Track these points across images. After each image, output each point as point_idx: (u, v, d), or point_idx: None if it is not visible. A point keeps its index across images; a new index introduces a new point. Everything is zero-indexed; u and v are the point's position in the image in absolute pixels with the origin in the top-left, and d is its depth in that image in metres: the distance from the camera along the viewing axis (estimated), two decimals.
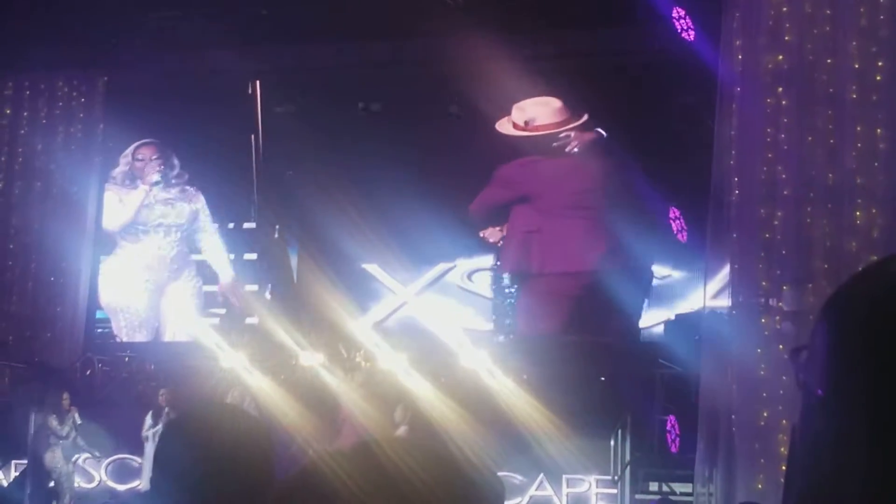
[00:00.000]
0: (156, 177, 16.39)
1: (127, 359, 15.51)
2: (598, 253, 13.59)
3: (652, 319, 14.49)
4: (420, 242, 15.20)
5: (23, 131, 16.17)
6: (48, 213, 15.71)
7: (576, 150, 13.88)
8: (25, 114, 16.22)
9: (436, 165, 14.52)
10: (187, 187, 16.47)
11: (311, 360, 14.47)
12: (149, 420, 13.51)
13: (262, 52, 15.20)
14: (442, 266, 15.66)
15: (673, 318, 14.05)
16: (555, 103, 13.80)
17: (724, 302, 11.90)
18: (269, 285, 15.99)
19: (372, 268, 15.74)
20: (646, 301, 14.22)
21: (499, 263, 14.85)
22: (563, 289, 13.77)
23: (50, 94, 16.20)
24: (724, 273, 11.98)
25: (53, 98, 16.20)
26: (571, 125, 13.82)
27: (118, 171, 16.52)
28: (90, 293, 15.94)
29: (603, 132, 13.66)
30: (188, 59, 15.64)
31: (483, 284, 15.46)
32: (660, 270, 14.50)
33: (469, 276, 15.55)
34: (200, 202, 16.34)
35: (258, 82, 15.63)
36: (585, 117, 13.84)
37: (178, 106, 15.75)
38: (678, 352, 12.96)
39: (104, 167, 16.33)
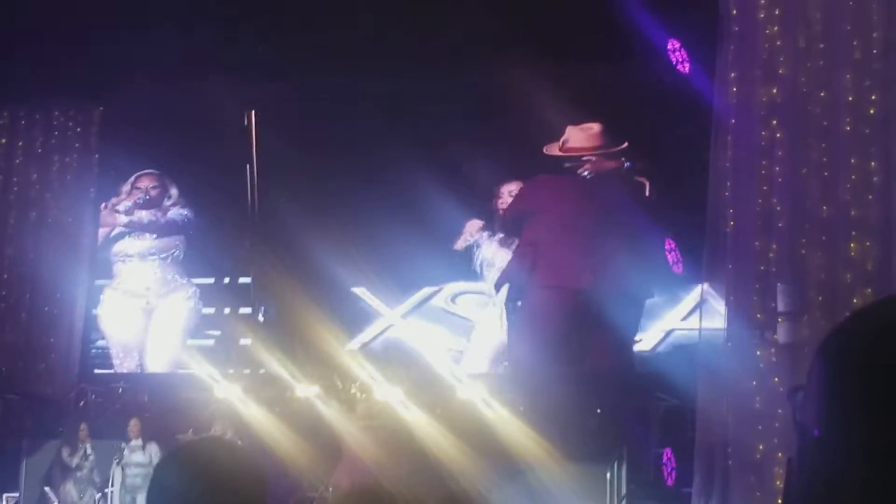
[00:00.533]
0: (127, 204, 16.43)
1: (121, 390, 15.47)
2: (592, 273, 13.57)
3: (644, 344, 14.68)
4: (406, 267, 15.42)
5: (18, 161, 16.18)
6: (43, 242, 15.70)
7: (586, 174, 14.03)
8: (20, 143, 16.23)
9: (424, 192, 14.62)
10: (182, 213, 16.52)
11: (307, 392, 14.48)
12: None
13: (258, 84, 15.28)
14: (427, 290, 15.88)
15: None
16: (593, 129, 14.00)
17: (694, 324, 12.53)
18: (262, 308, 15.95)
19: (360, 291, 15.85)
20: (639, 328, 14.27)
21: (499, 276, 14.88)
22: (554, 302, 13.73)
23: (45, 124, 16.21)
24: (695, 294, 12.63)
25: (49, 128, 16.21)
26: (601, 151, 13.97)
27: (121, 202, 16.50)
28: (85, 323, 15.90)
29: (626, 162, 13.79)
30: (185, 90, 15.68)
31: (466, 307, 15.74)
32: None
33: (453, 299, 15.81)
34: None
35: (253, 113, 15.65)
36: (623, 145, 13.95)
37: (173, 136, 15.84)
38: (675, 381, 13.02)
39: (99, 197, 16.32)
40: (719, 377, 11.60)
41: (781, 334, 11.49)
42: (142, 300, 16.27)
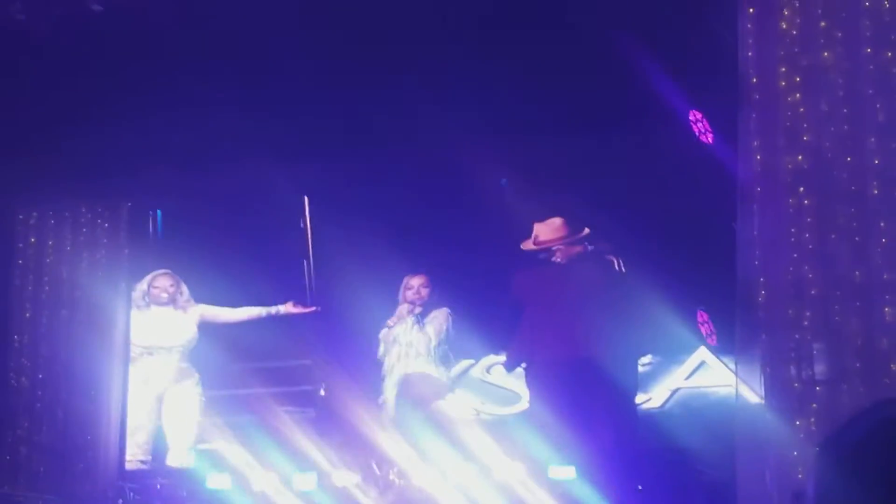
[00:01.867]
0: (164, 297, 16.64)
1: (159, 486, 15.40)
2: (584, 344, 14.15)
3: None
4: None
5: (49, 259, 16.26)
6: (76, 340, 15.74)
7: (559, 260, 14.72)
8: (50, 242, 16.31)
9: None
10: (194, 307, 16.74)
11: (346, 480, 14.37)
12: None
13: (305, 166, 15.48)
14: (465, 362, 17.30)
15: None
16: (556, 222, 14.79)
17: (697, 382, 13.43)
18: (323, 384, 16.38)
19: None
20: (638, 387, 14.92)
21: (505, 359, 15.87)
22: (553, 375, 14.25)
23: (74, 221, 16.29)
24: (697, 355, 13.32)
25: (77, 225, 16.29)
26: (567, 239, 14.74)
27: (136, 296, 16.60)
28: (121, 420, 15.87)
29: (589, 245, 14.67)
30: (220, 179, 15.80)
31: (499, 376, 17.12)
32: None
33: (488, 370, 17.37)
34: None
35: (306, 199, 16.03)
36: (585, 232, 14.76)
37: (201, 229, 16.08)
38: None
39: (130, 292, 16.36)
40: (759, 450, 11.45)
41: (820, 403, 11.34)
42: (157, 388, 16.29)
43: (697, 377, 16.51)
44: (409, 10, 13.29)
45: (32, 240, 16.32)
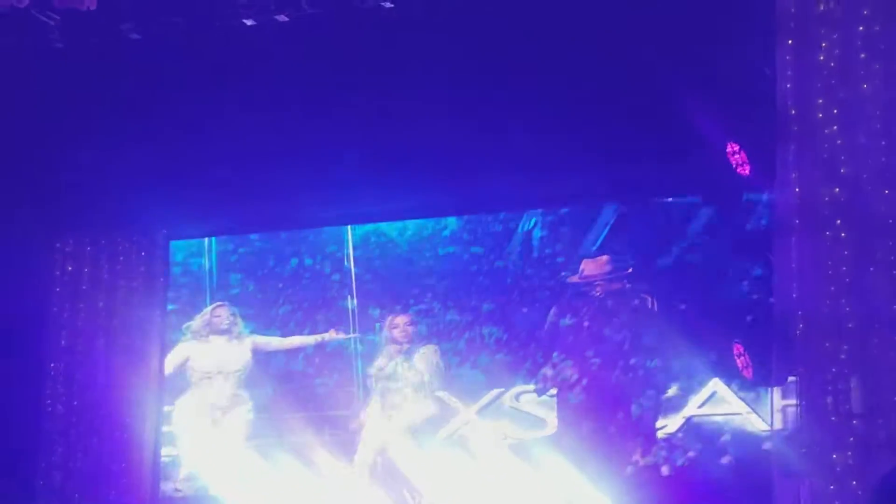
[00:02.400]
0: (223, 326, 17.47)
1: None
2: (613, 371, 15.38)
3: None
4: (476, 373, 17.01)
5: (84, 287, 16.30)
6: (112, 368, 15.78)
7: (598, 294, 16.15)
8: (86, 270, 16.34)
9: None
10: (248, 337, 17.53)
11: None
12: None
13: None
14: (496, 391, 17.52)
15: None
16: (602, 259, 16.20)
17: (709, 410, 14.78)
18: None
19: (443, 395, 16.98)
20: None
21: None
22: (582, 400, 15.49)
23: (111, 249, 16.33)
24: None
25: (114, 253, 16.33)
26: (609, 276, 16.15)
27: (196, 326, 17.61)
28: (155, 448, 15.91)
29: (627, 283, 16.03)
30: (262, 207, 15.92)
31: (529, 403, 17.35)
32: None
33: (517, 398, 17.50)
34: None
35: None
36: (628, 270, 16.08)
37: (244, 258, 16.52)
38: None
39: (165, 320, 16.47)
40: (795, 483, 11.39)
41: (857, 436, 11.27)
42: (213, 413, 16.99)
43: (709, 406, 16.80)
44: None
45: (69, 267, 16.34)
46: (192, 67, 13.84)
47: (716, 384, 16.67)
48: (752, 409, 15.44)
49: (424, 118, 13.73)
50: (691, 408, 16.77)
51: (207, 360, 17.31)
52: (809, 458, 11.31)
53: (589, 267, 16.20)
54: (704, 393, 16.68)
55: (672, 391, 16.46)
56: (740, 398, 15.61)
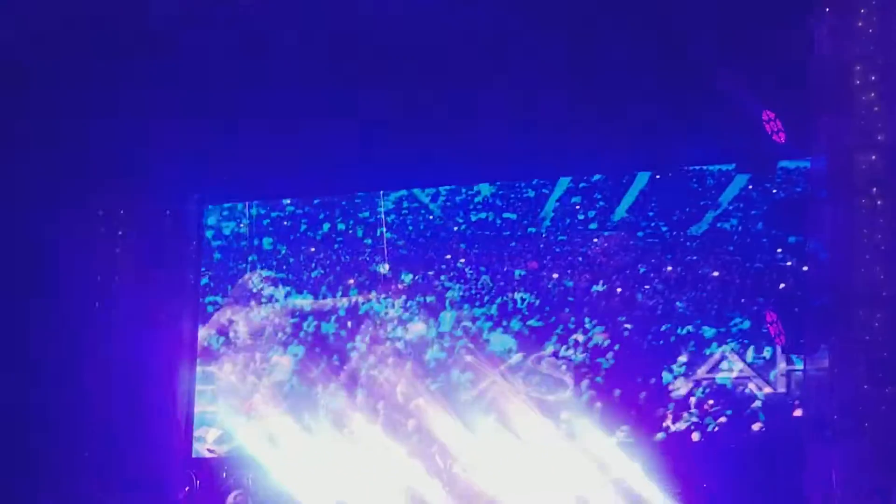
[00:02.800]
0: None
1: (224, 474, 15.54)
2: None
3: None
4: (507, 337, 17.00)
5: (118, 250, 16.34)
6: (145, 330, 15.85)
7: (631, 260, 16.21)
8: (120, 233, 16.38)
9: None
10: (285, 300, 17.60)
11: (409, 471, 14.49)
12: None
13: None
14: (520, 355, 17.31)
15: None
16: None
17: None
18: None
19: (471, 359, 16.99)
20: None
21: None
22: None
23: (144, 213, 16.37)
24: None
25: (148, 217, 16.37)
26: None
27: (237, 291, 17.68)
28: (188, 410, 16.04)
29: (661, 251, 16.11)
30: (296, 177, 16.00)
31: (554, 367, 17.18)
32: None
33: (541, 361, 17.17)
34: None
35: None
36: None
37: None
38: None
39: (198, 284, 16.59)
40: (827, 450, 11.41)
41: (889, 405, 11.27)
42: (249, 376, 16.84)
43: (737, 373, 16.87)
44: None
45: (103, 230, 16.38)
46: (228, 35, 13.85)
47: (747, 351, 16.84)
48: (783, 375, 15.46)
49: (459, 85, 13.74)
50: (721, 373, 16.87)
51: (245, 325, 17.35)
52: (842, 425, 11.34)
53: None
54: (733, 359, 16.81)
55: (702, 358, 16.54)
56: (770, 365, 15.62)
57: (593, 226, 16.59)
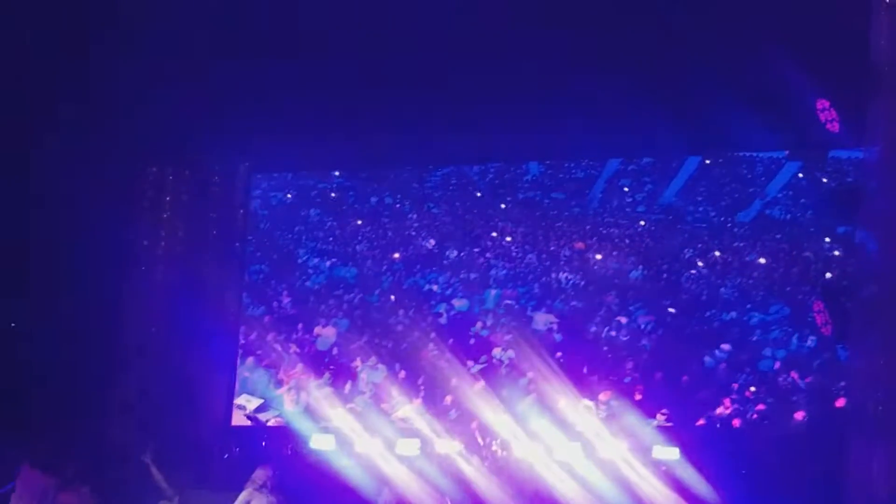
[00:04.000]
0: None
1: (264, 443, 15.59)
2: None
3: None
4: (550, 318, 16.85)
5: (165, 215, 16.35)
6: (189, 296, 15.85)
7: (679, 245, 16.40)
8: (168, 198, 16.39)
9: None
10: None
11: (448, 447, 14.48)
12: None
13: None
14: None
15: None
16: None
17: None
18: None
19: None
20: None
21: None
22: None
23: (193, 178, 16.38)
24: None
25: (196, 183, 16.37)
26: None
27: None
28: (229, 378, 16.08)
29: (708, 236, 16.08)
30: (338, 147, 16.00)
31: None
32: None
33: None
34: None
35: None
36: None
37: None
38: None
39: (245, 250, 16.62)
40: (869, 441, 11.34)
41: None
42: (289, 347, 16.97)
43: (762, 358, 16.90)
44: None
45: (151, 194, 16.38)
46: (282, 7, 13.84)
47: (791, 339, 16.73)
48: (827, 365, 15.38)
49: (511, 63, 13.69)
50: (764, 360, 16.87)
51: (289, 294, 17.47)
52: (885, 417, 11.26)
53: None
54: (776, 347, 16.76)
55: (746, 344, 16.50)
56: (814, 354, 15.55)
57: (641, 209, 16.51)
